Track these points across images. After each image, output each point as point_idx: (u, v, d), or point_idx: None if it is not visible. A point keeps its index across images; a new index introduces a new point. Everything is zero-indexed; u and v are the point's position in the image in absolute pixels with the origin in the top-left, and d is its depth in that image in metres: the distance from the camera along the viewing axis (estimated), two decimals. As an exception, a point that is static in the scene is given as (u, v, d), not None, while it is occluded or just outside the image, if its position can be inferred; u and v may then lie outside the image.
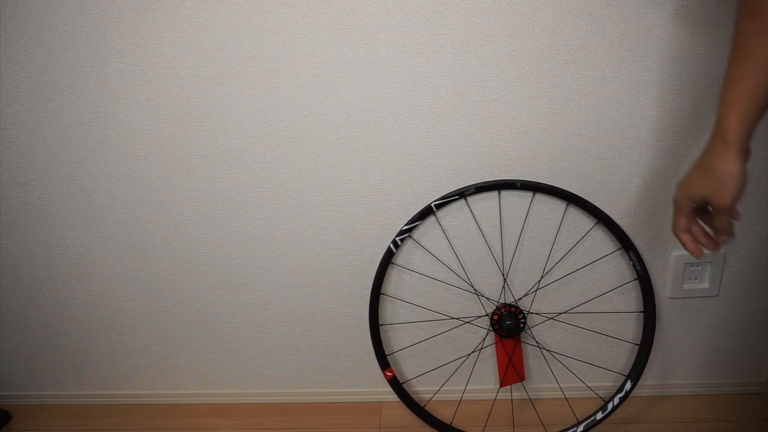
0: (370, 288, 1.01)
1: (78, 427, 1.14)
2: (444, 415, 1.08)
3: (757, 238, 0.98)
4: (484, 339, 1.08)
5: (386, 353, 1.05)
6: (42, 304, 1.10)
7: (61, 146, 0.96)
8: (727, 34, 0.83)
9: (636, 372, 1.01)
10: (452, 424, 1.06)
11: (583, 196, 0.95)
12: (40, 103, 0.93)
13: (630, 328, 1.07)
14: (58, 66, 0.90)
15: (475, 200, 0.97)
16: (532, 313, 1.05)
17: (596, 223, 0.98)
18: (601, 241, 1.00)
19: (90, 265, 1.06)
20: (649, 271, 0.99)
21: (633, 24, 0.84)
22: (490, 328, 1.04)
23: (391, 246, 0.98)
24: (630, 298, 1.04)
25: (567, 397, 1.10)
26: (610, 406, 1.01)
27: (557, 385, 1.11)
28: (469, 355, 1.09)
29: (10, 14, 0.87)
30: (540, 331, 1.07)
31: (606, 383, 1.12)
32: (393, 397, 1.07)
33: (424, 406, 1.07)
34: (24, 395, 1.20)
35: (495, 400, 1.12)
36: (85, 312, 1.11)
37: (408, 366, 1.11)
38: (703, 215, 0.68)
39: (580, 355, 1.09)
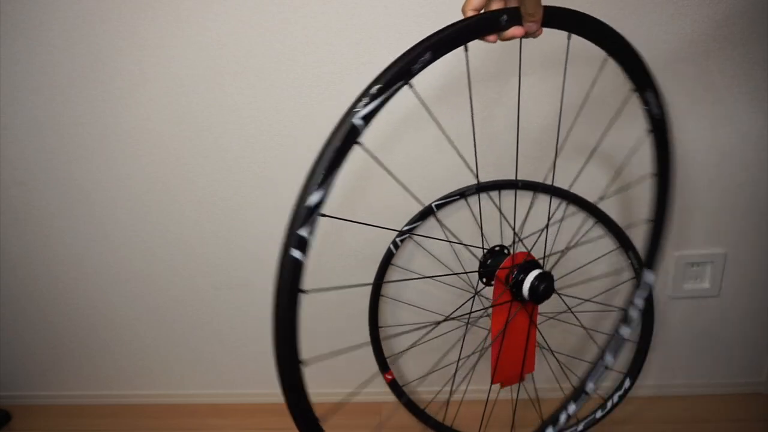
0: (370, 290, 1.01)
1: (78, 427, 1.14)
2: (444, 416, 1.08)
3: (757, 237, 0.98)
4: (485, 339, 1.08)
5: (386, 356, 1.04)
6: (42, 304, 1.10)
7: (61, 146, 0.96)
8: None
9: (634, 369, 1.01)
10: (452, 426, 1.06)
11: (583, 196, 0.95)
12: (40, 103, 0.93)
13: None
14: (58, 66, 0.90)
15: (475, 200, 0.97)
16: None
17: (596, 222, 0.98)
18: (601, 240, 1.00)
19: (90, 265, 1.06)
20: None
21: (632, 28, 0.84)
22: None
23: (391, 247, 0.98)
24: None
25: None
26: (609, 404, 1.01)
27: (557, 385, 1.11)
28: (469, 356, 1.09)
29: (10, 14, 0.87)
30: (540, 330, 1.07)
31: (606, 383, 1.11)
32: (393, 397, 1.06)
33: (425, 408, 1.07)
34: (24, 395, 1.20)
35: (496, 400, 1.12)
36: (85, 312, 1.11)
37: (408, 367, 1.11)
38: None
39: (579, 355, 1.09)
